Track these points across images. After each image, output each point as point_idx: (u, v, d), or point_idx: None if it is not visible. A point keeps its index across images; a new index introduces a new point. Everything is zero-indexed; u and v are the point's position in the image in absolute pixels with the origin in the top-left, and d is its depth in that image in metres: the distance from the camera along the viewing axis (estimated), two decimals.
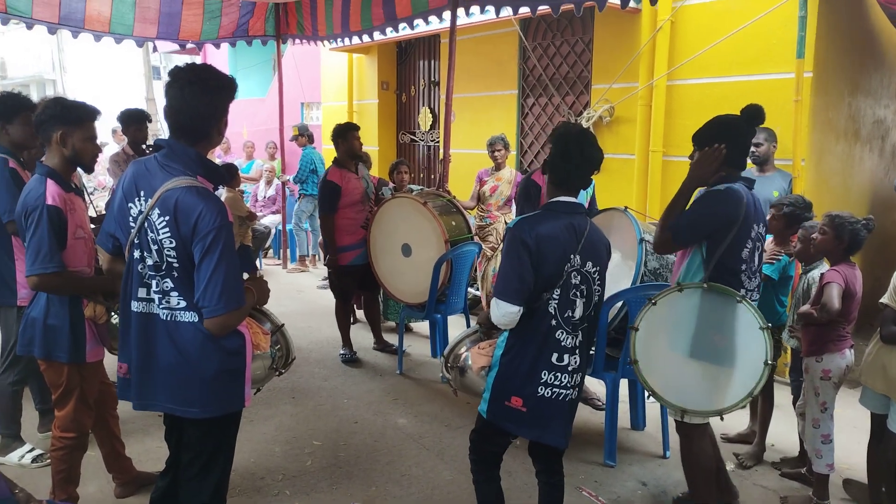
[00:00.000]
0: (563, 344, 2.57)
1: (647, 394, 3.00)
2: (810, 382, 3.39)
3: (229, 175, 6.62)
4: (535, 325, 2.57)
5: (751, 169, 4.99)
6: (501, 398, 2.64)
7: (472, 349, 3.15)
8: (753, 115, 2.87)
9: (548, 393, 2.58)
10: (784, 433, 4.02)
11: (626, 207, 3.99)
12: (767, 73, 5.33)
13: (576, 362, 2.62)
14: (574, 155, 2.59)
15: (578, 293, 2.58)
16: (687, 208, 2.90)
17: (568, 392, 2.61)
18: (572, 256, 2.55)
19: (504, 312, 2.52)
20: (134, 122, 5.42)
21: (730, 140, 2.83)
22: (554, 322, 2.56)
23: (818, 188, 5.34)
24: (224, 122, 2.32)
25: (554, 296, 2.55)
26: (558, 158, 2.63)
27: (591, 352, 3.12)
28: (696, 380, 2.79)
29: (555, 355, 2.57)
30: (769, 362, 2.64)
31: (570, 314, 2.57)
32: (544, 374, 2.58)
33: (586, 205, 4.80)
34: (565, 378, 2.59)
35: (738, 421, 4.08)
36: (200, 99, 2.20)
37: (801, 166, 5.05)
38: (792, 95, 4.98)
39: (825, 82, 5.30)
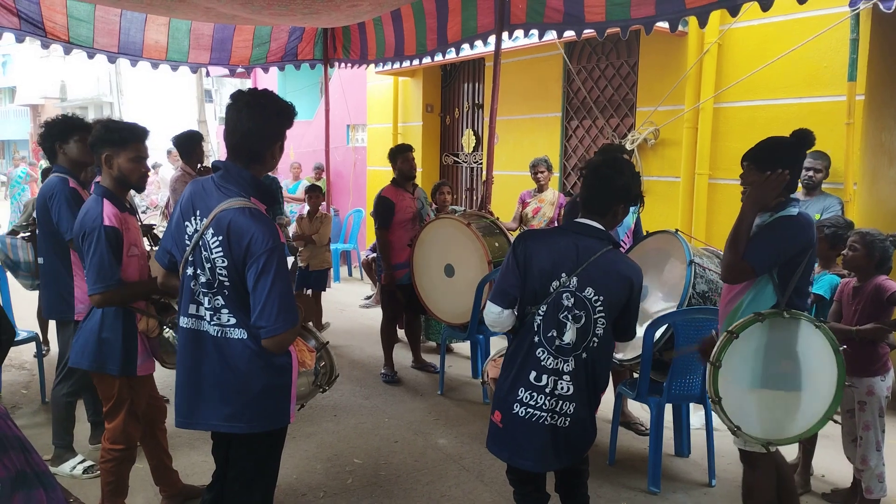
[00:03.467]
0: (542, 363, 2.54)
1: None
2: (876, 403, 3.31)
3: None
4: (521, 338, 2.61)
5: (797, 193, 4.91)
6: (491, 413, 2.67)
7: (489, 360, 3.20)
8: (805, 139, 2.81)
9: (522, 412, 2.55)
10: (835, 464, 3.89)
11: (676, 230, 3.96)
12: (818, 96, 5.24)
13: (562, 388, 2.52)
14: (588, 176, 2.64)
15: (571, 317, 2.51)
16: (757, 235, 2.77)
17: (545, 415, 2.53)
18: (564, 276, 2.51)
19: (487, 311, 2.65)
20: (189, 143, 5.61)
21: (792, 164, 2.76)
22: (536, 339, 2.55)
23: (871, 212, 5.21)
24: (279, 147, 2.36)
25: (539, 311, 2.54)
26: (582, 181, 2.69)
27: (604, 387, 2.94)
28: (774, 409, 2.76)
29: (533, 373, 2.55)
30: (846, 384, 2.69)
31: (555, 335, 2.52)
32: (521, 392, 2.56)
33: (631, 229, 4.75)
34: (542, 399, 2.53)
35: (787, 451, 3.96)
36: (255, 122, 2.26)
37: (853, 190, 4.94)
38: (843, 118, 4.89)
39: (878, 105, 5.18)
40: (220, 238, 2.22)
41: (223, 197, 2.27)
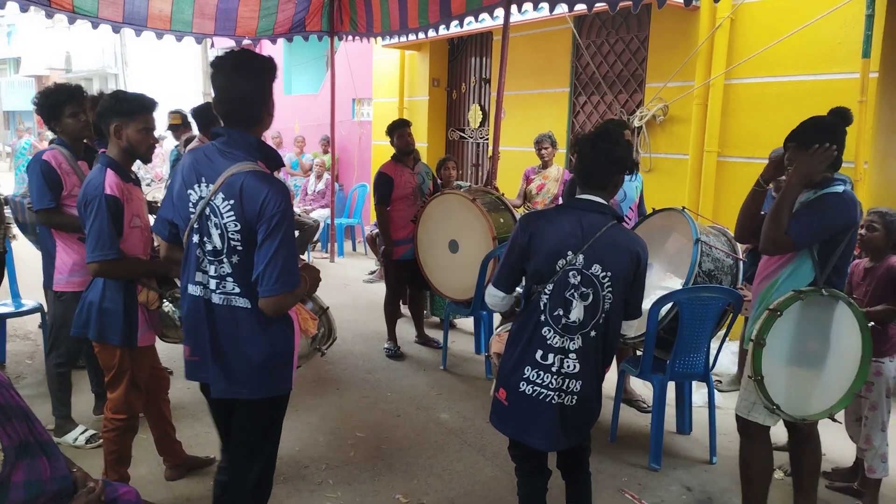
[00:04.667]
0: (549, 342, 2.52)
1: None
2: (883, 384, 3.31)
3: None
4: (527, 317, 2.59)
5: None
6: (495, 390, 2.66)
7: (494, 335, 3.19)
8: (845, 115, 2.80)
9: (529, 390, 2.54)
10: (837, 443, 3.89)
11: (683, 208, 3.93)
12: (831, 73, 5.16)
13: (568, 366, 2.51)
14: (585, 150, 2.57)
15: (578, 295, 2.49)
16: (800, 210, 2.76)
17: (552, 394, 2.52)
18: (570, 254, 2.48)
19: (489, 294, 2.69)
20: (208, 115, 5.60)
21: (837, 140, 2.74)
22: (543, 318, 2.53)
23: (882, 192, 5.16)
24: (272, 103, 2.35)
25: (545, 291, 2.52)
26: (577, 156, 2.64)
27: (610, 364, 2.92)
28: (802, 385, 2.82)
29: (539, 352, 2.53)
30: (872, 359, 2.73)
31: (561, 314, 2.50)
32: (527, 370, 2.55)
33: (635, 203, 4.72)
34: (549, 378, 2.52)
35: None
36: (247, 82, 2.23)
37: (864, 169, 4.88)
38: (856, 96, 4.82)
39: (892, 83, 5.10)
40: (232, 202, 2.20)
41: (230, 162, 2.24)
